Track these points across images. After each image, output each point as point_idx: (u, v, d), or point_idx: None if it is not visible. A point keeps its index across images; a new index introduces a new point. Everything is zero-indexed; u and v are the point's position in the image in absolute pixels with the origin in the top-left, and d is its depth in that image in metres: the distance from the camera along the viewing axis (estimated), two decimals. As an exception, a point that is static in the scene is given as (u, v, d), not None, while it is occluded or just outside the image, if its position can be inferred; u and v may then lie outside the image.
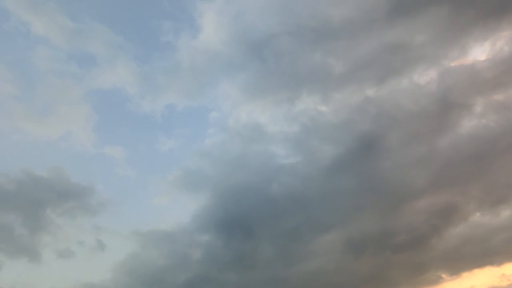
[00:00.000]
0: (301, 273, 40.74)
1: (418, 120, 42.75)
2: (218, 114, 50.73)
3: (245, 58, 45.04)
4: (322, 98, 45.30)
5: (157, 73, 49.04)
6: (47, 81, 46.74)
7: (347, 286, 42.10)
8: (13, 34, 45.05)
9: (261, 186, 42.45)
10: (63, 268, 39.01)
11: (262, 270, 40.18)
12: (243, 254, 40.72)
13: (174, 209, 47.93)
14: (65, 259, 38.85)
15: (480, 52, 44.45)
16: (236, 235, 41.63)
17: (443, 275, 44.46)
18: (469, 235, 44.31)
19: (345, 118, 43.47)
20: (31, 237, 38.56)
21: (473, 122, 43.11)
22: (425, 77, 44.77)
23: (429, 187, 42.46)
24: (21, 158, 43.86)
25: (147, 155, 49.77)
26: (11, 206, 38.30)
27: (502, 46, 42.13)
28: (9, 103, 45.07)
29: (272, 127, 46.95)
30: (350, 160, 42.08)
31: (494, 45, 42.87)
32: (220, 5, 47.54)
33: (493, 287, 44.93)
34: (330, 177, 42.58)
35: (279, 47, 43.56)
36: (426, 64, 44.43)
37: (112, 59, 48.29)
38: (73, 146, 46.42)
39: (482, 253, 44.01)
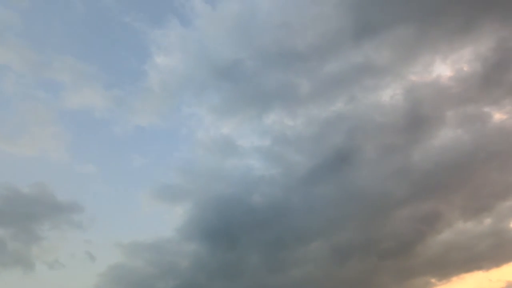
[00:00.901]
0: (288, 280, 41.35)
1: (391, 133, 44.25)
2: (189, 132, 53.03)
3: (213, 80, 47.41)
4: (290, 114, 47.59)
5: (126, 96, 51.31)
6: (17, 104, 48.13)
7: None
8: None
9: (240, 197, 43.64)
10: (53, 278, 39.82)
11: (249, 278, 40.79)
12: (229, 262, 41.42)
13: (153, 221, 49.17)
14: (54, 270, 39.73)
15: (444, 68, 46.57)
16: (221, 245, 42.48)
17: (432, 280, 45.18)
18: (454, 242, 45.25)
19: (315, 132, 45.36)
20: (21, 250, 39.38)
21: (446, 134, 44.73)
22: (392, 92, 46.51)
23: (410, 196, 43.44)
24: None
25: (122, 172, 51.21)
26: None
27: (465, 63, 44.43)
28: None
29: (243, 142, 49.54)
30: (326, 171, 43.34)
31: (458, 62, 44.98)
32: (186, 31, 50.37)
33: (482, 291, 45.64)
34: (308, 187, 43.79)
35: (244, 69, 45.81)
36: (392, 80, 46.29)
37: (81, 85, 50.21)
38: (49, 164, 47.56)
39: (469, 258, 44.99)
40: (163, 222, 48.47)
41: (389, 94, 46.22)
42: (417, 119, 43.60)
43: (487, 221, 45.64)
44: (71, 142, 49.67)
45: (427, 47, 44.28)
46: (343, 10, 42.29)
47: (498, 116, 44.01)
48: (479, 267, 45.47)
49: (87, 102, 49.84)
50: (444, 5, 38.99)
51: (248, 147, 48.48)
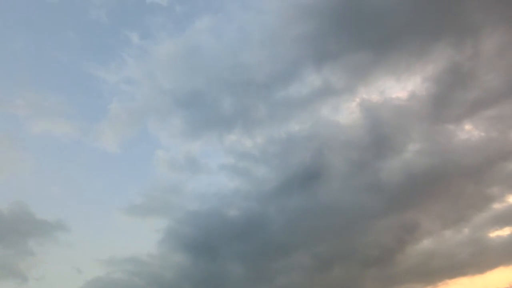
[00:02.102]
0: (273, 288, 42.17)
1: (356, 149, 46.34)
2: (154, 154, 56.53)
3: (175, 107, 51.26)
4: (249, 134, 50.59)
5: (91, 124, 55.40)
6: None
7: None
8: None
9: (215, 211, 45.42)
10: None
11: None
12: (212, 274, 42.25)
13: (129, 236, 51.10)
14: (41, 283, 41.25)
15: (401, 88, 49.56)
16: (203, 257, 43.63)
17: (417, 287, 46.01)
18: (435, 250, 46.59)
19: (277, 150, 48.26)
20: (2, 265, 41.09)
21: (413, 148, 46.65)
22: (352, 112, 49.56)
23: (386, 207, 44.82)
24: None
25: (93, 192, 53.95)
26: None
27: (421, 83, 47.15)
28: None
29: (208, 161, 54.04)
30: (295, 186, 45.33)
31: (414, 83, 47.81)
32: (150, 64, 54.62)
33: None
34: (281, 200, 45.67)
35: (204, 96, 49.42)
36: (351, 100, 49.66)
37: (44, 117, 53.72)
38: (23, 186, 50.24)
39: (451, 265, 46.14)
40: (140, 237, 50.02)
41: (348, 114, 49.51)
42: (380, 136, 45.99)
43: (465, 230, 47.39)
44: (41, 166, 52.70)
45: (385, 69, 47.80)
46: (304, 38, 46.04)
47: (460, 133, 46.33)
48: (463, 274, 46.54)
49: (54, 130, 53.37)
50: (401, 30, 42.51)
51: (214, 165, 52.37)
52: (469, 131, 46.01)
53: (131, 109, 53.26)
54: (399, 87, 48.99)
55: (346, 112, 49.86)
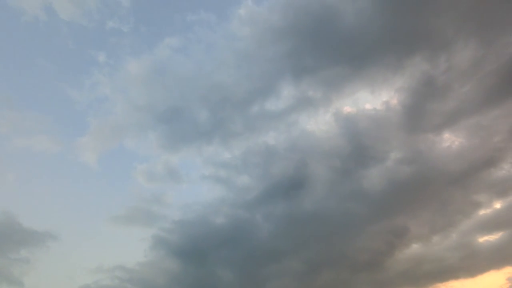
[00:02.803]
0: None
1: (338, 158, 47.41)
2: (135, 167, 57.03)
3: (155, 122, 52.96)
4: (228, 146, 52.16)
5: (73, 138, 57.74)
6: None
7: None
8: None
9: (202, 219, 46.51)
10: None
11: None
12: (204, 280, 43.04)
13: (118, 245, 52.60)
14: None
15: (378, 99, 51.49)
16: (193, 264, 44.41)
17: None
18: (424, 254, 47.59)
19: (258, 160, 49.60)
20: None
21: (395, 156, 47.63)
22: (330, 123, 51.19)
23: (373, 213, 45.69)
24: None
25: (81, 203, 55.50)
26: None
27: (397, 96, 48.54)
28: None
29: (190, 171, 56.42)
30: (279, 194, 46.42)
31: (392, 94, 49.23)
32: (121, 82, 56.77)
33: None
34: (266, 208, 46.78)
35: (181, 112, 51.12)
36: (329, 112, 51.46)
37: (25, 134, 55.58)
38: (9, 197, 51.30)
39: (441, 269, 46.90)
40: (128, 246, 51.70)
41: (326, 125, 51.28)
42: (360, 145, 47.14)
43: (454, 235, 48.40)
44: (25, 179, 54.53)
45: (361, 82, 49.52)
46: (280, 57, 48.12)
47: (440, 141, 47.66)
48: (454, 277, 47.39)
49: (35, 146, 54.93)
50: (376, 45, 44.31)
51: (195, 176, 54.86)
52: (449, 140, 47.55)
53: (108, 124, 54.97)
54: (376, 99, 51.18)
55: (324, 124, 51.77)
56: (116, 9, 58.27)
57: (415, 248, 47.75)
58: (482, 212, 48.68)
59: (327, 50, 45.74)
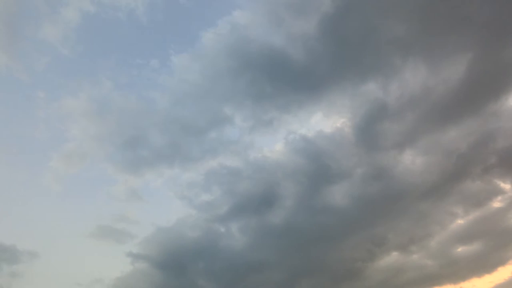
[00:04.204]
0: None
1: (303, 176, 49.17)
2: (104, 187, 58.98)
3: (118, 147, 54.17)
4: (188, 170, 53.94)
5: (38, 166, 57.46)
6: None
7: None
8: None
9: (176, 234, 47.41)
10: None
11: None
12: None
13: (98, 260, 52.81)
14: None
15: (335, 123, 54.18)
16: (171, 277, 45.44)
17: None
18: (404, 263, 49.00)
19: (223, 180, 51.12)
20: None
21: (360, 172, 49.16)
22: (289, 145, 52.52)
23: (349, 226, 47.14)
24: None
25: (53, 225, 55.13)
26: None
27: (352, 119, 50.15)
28: None
29: (156, 192, 56.63)
30: (250, 209, 48.20)
31: (347, 118, 51.28)
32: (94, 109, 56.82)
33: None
34: (240, 221, 48.50)
35: (146, 138, 53.13)
36: (285, 134, 53.73)
37: None
38: None
39: (422, 277, 48.46)
40: (103, 263, 51.89)
41: (286, 147, 52.95)
42: (322, 163, 48.89)
43: (432, 245, 49.87)
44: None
45: (319, 106, 52.71)
46: (237, 89, 50.77)
47: (403, 158, 49.27)
48: (438, 284, 49.04)
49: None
50: (332, 72, 47.26)
51: (161, 195, 56.75)
52: (411, 156, 49.41)
53: (72, 151, 55.87)
54: (333, 122, 54.58)
55: (283, 145, 53.54)
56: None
57: (394, 257, 49.31)
58: (459, 222, 50.81)
59: (285, 79, 48.76)
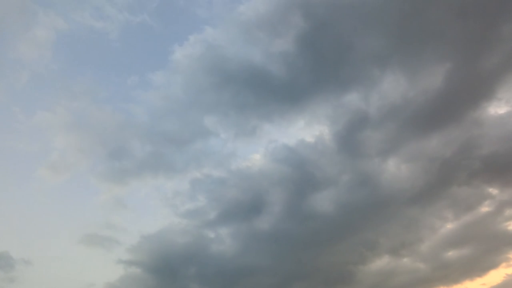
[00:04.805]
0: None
1: (290, 183, 50.48)
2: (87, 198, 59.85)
3: (103, 159, 56.75)
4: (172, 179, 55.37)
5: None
6: None
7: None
8: None
9: (164, 241, 48.44)
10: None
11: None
12: None
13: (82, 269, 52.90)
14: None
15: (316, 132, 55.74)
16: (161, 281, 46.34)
17: None
18: (396, 267, 49.84)
19: (205, 190, 52.07)
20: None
21: (345, 179, 50.31)
22: (272, 153, 53.89)
23: (339, 231, 48.10)
24: None
25: (42, 232, 56.04)
26: None
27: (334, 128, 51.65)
28: None
29: (141, 201, 58.76)
30: (237, 216, 49.42)
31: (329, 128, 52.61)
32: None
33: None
34: (227, 228, 49.66)
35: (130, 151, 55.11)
36: (270, 143, 55.51)
37: None
38: None
39: (414, 281, 49.08)
40: (91, 270, 52.34)
41: (269, 155, 54.31)
42: (307, 171, 50.43)
43: (423, 249, 50.59)
44: None
45: (302, 116, 54.70)
46: (220, 93, 52.75)
47: (387, 165, 50.64)
48: (430, 286, 49.72)
49: None
50: (313, 86, 49.33)
51: (146, 204, 58.05)
52: (395, 163, 50.74)
53: (55, 163, 57.42)
54: (316, 130, 56.43)
55: (266, 154, 54.98)
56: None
57: (386, 261, 50.11)
58: (449, 227, 51.77)
59: (266, 92, 51.35)
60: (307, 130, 59.61)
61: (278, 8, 49.32)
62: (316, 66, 48.73)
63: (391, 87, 48.48)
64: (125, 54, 65.54)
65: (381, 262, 50.04)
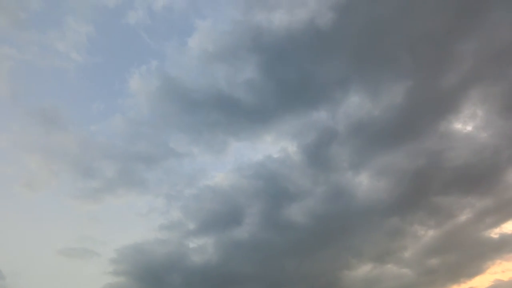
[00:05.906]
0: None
1: (264, 196, 52.49)
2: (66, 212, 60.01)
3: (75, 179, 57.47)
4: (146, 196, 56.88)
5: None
6: None
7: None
8: None
9: (146, 253, 49.52)
10: None
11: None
12: None
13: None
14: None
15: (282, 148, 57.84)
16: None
17: None
18: (381, 274, 50.70)
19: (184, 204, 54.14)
20: None
21: (320, 191, 52.32)
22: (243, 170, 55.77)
23: (318, 240, 49.64)
24: None
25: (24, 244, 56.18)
26: None
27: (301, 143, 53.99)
28: None
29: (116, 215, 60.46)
30: (216, 227, 51.01)
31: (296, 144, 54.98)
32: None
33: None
34: (206, 238, 51.02)
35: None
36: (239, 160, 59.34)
37: None
38: None
39: (401, 285, 49.98)
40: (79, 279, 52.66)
41: (239, 172, 55.96)
42: (278, 185, 52.57)
43: (406, 256, 52.00)
44: None
45: (268, 132, 57.11)
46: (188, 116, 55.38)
47: (359, 178, 52.39)
48: None
49: None
50: (277, 106, 52.97)
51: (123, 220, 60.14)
52: (367, 176, 52.54)
53: (27, 182, 58.49)
54: (284, 146, 57.79)
55: (236, 170, 56.85)
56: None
57: (371, 267, 51.08)
58: (432, 234, 52.67)
59: (235, 113, 54.44)
60: (274, 145, 61.48)
61: (233, 42, 52.84)
62: (281, 89, 52.47)
63: (356, 106, 51.69)
64: (86, 85, 67.74)
65: (367, 268, 51.09)
